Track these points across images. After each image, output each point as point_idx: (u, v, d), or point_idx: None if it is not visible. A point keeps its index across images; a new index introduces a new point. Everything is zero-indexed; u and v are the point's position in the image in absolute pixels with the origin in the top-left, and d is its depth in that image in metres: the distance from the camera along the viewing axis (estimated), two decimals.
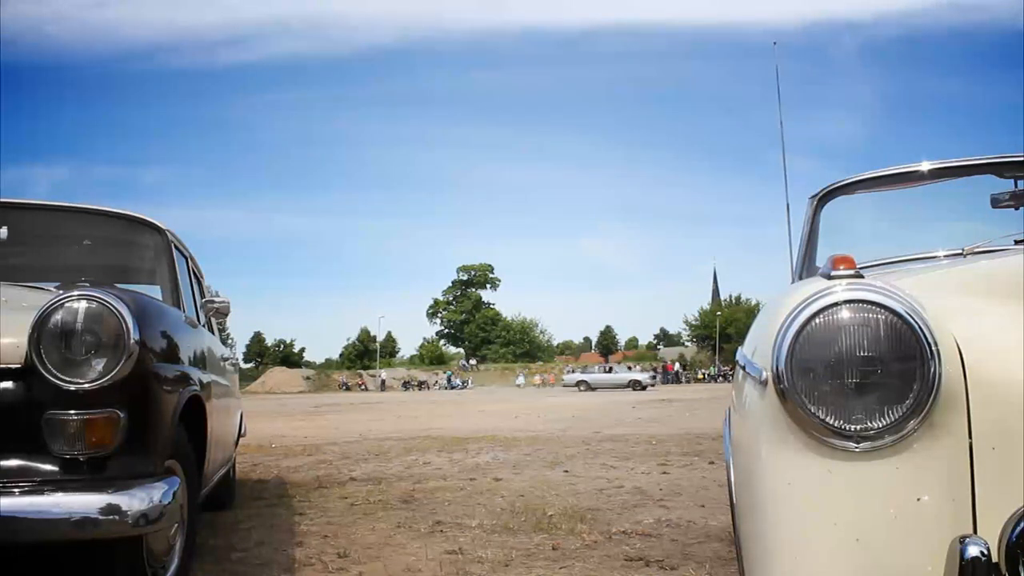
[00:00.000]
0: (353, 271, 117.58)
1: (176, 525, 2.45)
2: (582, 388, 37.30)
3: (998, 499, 1.09)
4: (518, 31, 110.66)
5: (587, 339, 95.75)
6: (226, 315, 3.85)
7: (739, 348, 1.53)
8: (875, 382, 1.13)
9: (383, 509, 4.47)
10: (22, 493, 1.84)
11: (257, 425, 11.11)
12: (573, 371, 46.46)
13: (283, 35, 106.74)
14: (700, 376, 58.00)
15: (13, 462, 1.90)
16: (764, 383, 1.20)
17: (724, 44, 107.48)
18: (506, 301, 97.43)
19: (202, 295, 4.17)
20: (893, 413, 1.12)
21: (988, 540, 1.04)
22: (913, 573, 1.08)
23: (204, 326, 3.56)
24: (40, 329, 1.89)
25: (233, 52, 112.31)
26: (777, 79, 3.35)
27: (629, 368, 45.39)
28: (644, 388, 36.50)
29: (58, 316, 1.91)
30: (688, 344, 78.44)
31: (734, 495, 1.58)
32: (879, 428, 1.12)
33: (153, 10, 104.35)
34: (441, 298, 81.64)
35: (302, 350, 77.29)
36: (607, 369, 44.54)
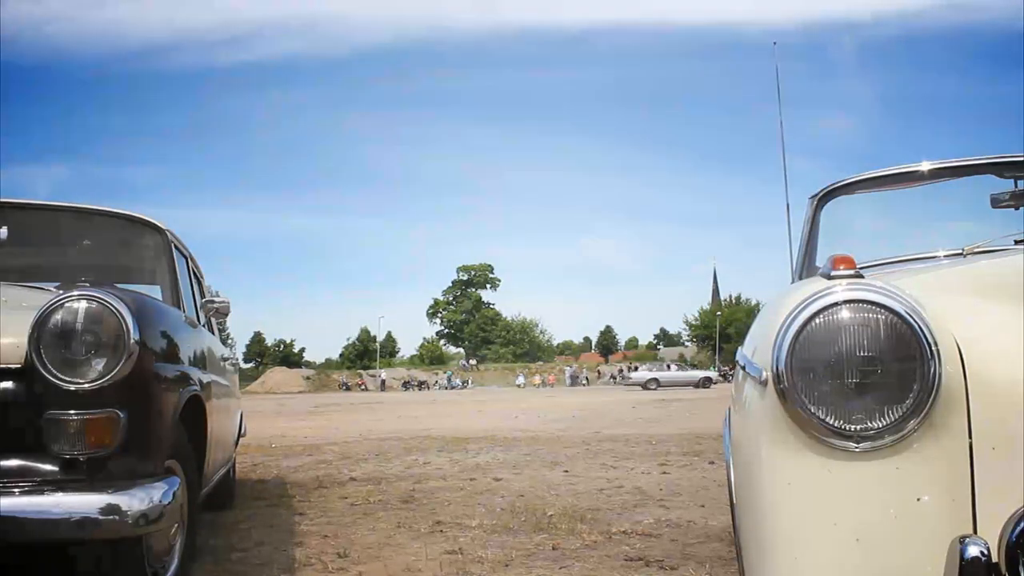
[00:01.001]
0: (353, 271, 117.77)
1: (176, 525, 2.45)
2: (652, 387, 36.86)
3: (998, 499, 1.09)
4: (517, 31, 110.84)
5: (587, 339, 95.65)
6: (226, 315, 3.85)
7: (739, 348, 1.53)
8: (875, 382, 1.13)
9: (383, 509, 4.47)
10: (22, 493, 1.84)
11: (257, 425, 11.11)
12: (637, 368, 46.08)
13: (282, 35, 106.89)
14: None
15: (13, 462, 1.90)
16: (764, 383, 1.20)
17: (724, 44, 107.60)
18: (506, 301, 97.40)
19: (202, 295, 4.17)
20: (893, 413, 1.12)
21: (988, 540, 1.03)
22: (913, 573, 1.08)
23: (204, 326, 3.56)
24: (40, 329, 1.89)
25: (232, 52, 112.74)
26: (777, 79, 3.34)
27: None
28: (711, 385, 36.66)
29: (58, 316, 1.91)
30: (688, 344, 78.38)
31: (734, 495, 1.58)
32: (879, 428, 1.12)
33: (153, 10, 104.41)
34: (441, 298, 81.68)
35: (302, 350, 77.34)
36: (667, 366, 44.43)
